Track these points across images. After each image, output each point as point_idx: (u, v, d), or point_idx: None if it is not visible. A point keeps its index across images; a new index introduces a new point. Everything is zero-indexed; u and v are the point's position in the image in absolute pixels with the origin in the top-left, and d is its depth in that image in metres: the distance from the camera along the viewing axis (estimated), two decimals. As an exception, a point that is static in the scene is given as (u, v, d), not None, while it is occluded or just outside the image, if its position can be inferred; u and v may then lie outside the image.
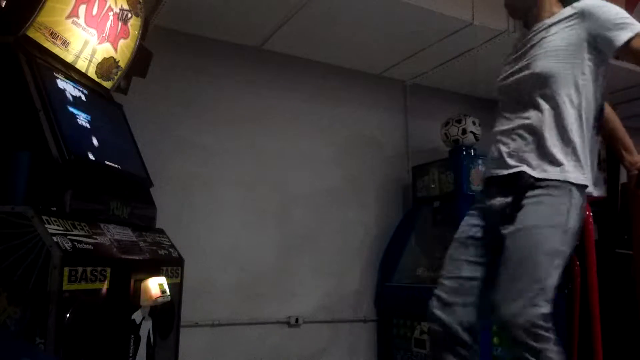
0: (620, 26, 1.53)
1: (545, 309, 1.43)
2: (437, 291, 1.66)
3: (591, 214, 3.15)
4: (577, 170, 1.55)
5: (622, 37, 1.52)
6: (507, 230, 1.55)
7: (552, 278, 1.46)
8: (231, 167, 3.23)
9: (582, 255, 3.15)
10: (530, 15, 1.74)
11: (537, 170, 1.56)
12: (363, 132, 3.74)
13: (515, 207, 1.55)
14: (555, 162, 1.55)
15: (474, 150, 3.42)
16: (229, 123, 3.27)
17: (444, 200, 3.38)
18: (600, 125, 1.65)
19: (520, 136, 1.61)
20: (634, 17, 1.55)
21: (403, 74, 3.83)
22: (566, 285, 3.21)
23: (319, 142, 3.55)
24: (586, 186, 1.56)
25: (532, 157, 1.58)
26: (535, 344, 1.41)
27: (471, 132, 3.39)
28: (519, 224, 1.53)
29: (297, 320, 3.27)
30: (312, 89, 3.58)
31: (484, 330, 2.90)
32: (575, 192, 1.54)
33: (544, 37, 1.63)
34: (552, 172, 1.55)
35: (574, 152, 1.56)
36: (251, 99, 3.36)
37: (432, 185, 3.49)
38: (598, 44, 1.57)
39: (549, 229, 1.50)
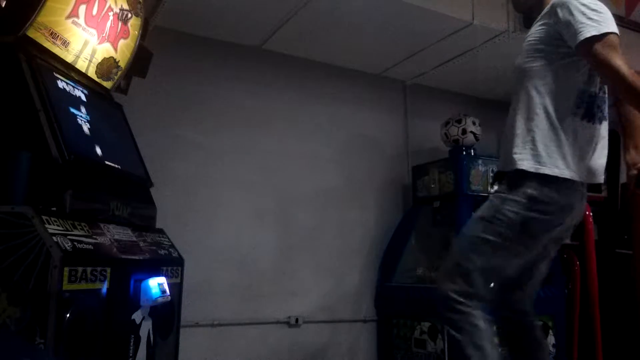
0: (582, 25, 1.53)
1: (459, 286, 1.60)
2: None
3: (591, 214, 3.17)
4: (533, 159, 1.58)
5: (579, 36, 1.53)
6: None
7: (473, 261, 1.61)
8: (231, 167, 3.23)
9: (582, 255, 3.16)
10: (532, 16, 1.77)
11: (502, 164, 1.71)
12: (363, 132, 3.74)
13: None
14: (511, 154, 1.63)
15: (474, 150, 3.42)
16: (229, 123, 3.27)
17: (444, 200, 3.37)
18: (590, 112, 1.63)
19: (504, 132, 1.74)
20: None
21: (403, 74, 3.83)
22: (566, 285, 3.21)
23: (319, 142, 3.55)
24: (547, 175, 1.57)
25: (504, 152, 1.71)
26: (446, 314, 1.62)
27: (471, 132, 3.39)
28: None
29: (297, 320, 3.27)
30: (312, 89, 3.58)
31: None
32: (527, 182, 1.58)
33: (528, 36, 1.72)
34: (509, 165, 1.64)
35: (532, 142, 1.59)
36: (251, 99, 3.36)
37: (432, 185, 3.49)
38: (565, 39, 1.59)
39: (475, 220, 1.69)
